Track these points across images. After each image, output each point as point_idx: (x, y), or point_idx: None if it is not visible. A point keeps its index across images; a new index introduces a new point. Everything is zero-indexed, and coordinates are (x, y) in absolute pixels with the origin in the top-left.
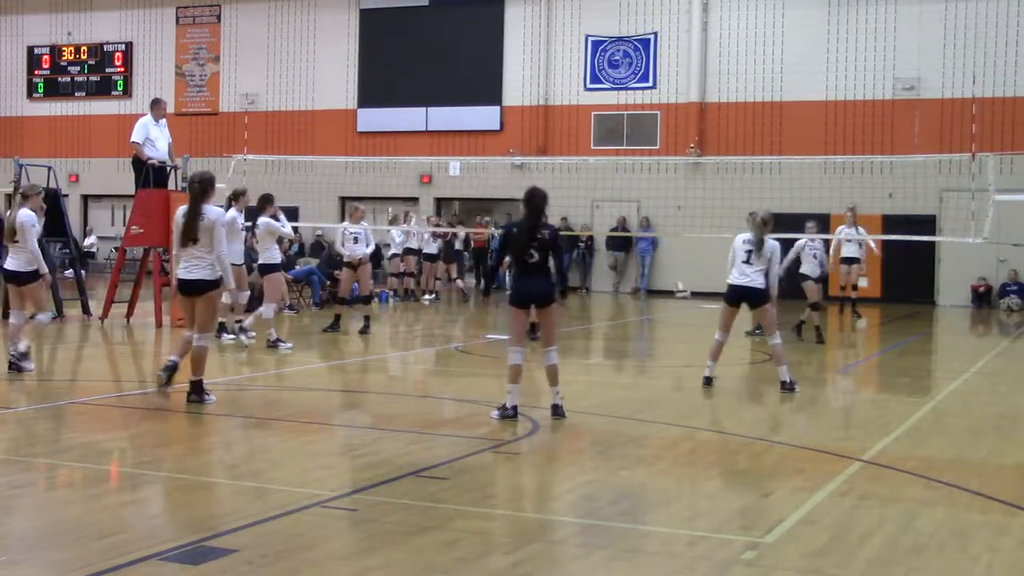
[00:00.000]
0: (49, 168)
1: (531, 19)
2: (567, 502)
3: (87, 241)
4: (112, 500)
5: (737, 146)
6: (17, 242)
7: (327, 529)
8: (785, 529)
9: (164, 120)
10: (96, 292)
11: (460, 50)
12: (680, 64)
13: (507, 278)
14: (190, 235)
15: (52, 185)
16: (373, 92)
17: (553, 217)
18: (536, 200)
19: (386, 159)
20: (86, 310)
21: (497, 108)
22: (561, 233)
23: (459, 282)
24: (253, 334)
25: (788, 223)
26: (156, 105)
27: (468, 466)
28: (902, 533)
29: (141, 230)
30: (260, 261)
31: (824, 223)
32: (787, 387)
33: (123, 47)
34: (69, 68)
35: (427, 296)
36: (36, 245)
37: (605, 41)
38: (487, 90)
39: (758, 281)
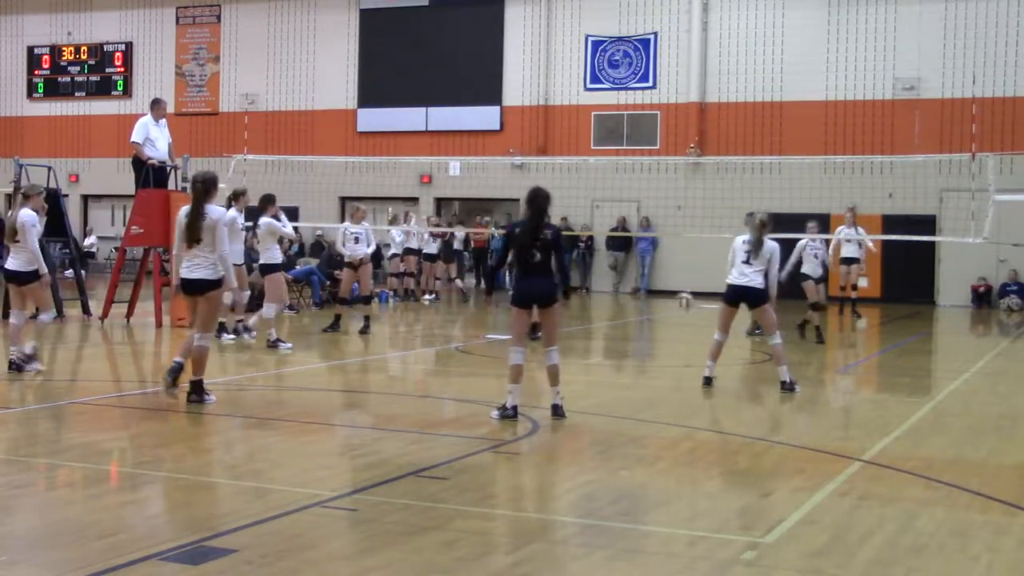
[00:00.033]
0: (49, 168)
1: (531, 19)
2: (567, 502)
3: (87, 241)
4: (112, 500)
5: (737, 146)
6: (18, 242)
7: (327, 529)
8: (785, 529)
9: (164, 120)
10: (96, 292)
11: (460, 50)
12: (680, 64)
13: (507, 278)
14: (194, 236)
15: (52, 185)
16: (373, 92)
17: (553, 217)
18: (539, 200)
19: (386, 159)
20: (86, 310)
21: (497, 108)
22: (562, 233)
23: (457, 282)
24: (254, 332)
25: (788, 223)
26: (156, 105)
27: (468, 466)
28: (902, 533)
29: (141, 230)
30: (261, 261)
31: (824, 223)
32: (787, 387)
33: (123, 47)
34: (69, 68)
35: (427, 296)
36: (36, 245)
37: (605, 41)
38: (487, 90)
39: (757, 281)
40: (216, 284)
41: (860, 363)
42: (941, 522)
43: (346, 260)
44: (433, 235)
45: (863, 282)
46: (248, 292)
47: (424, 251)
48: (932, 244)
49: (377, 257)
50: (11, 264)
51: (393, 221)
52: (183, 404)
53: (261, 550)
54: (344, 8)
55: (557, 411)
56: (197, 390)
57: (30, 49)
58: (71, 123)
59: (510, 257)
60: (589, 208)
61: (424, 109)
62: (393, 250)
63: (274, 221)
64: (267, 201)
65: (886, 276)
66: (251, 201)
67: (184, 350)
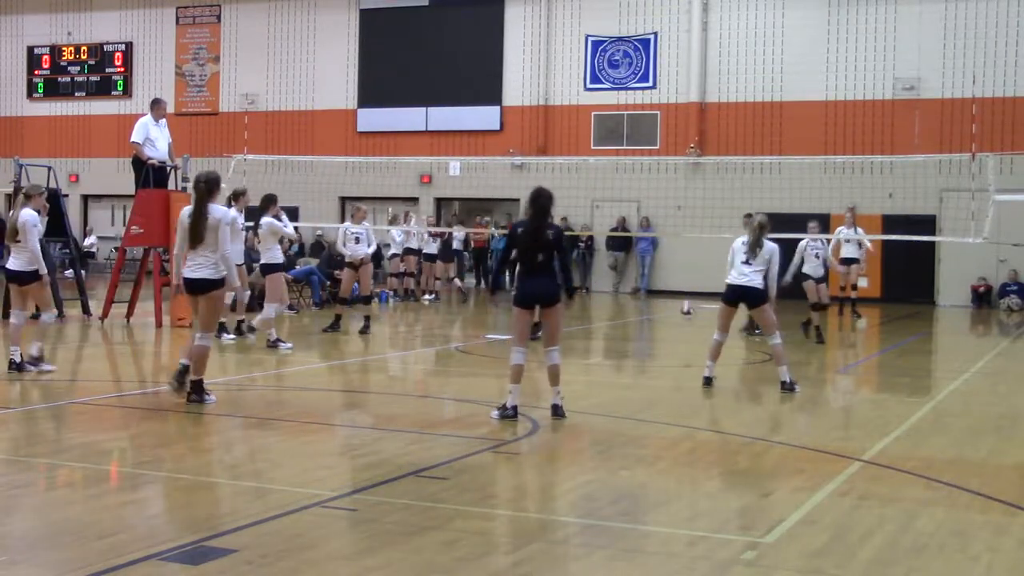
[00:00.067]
0: (49, 168)
1: (531, 19)
2: (567, 502)
3: (87, 241)
4: (112, 500)
5: (737, 146)
6: (19, 242)
7: (327, 529)
8: (785, 529)
9: (164, 120)
10: (96, 292)
11: (460, 50)
12: (680, 64)
13: (507, 278)
14: (197, 236)
15: (52, 185)
16: (373, 92)
17: (554, 217)
18: (542, 200)
19: (386, 159)
20: (86, 310)
21: (497, 108)
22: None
23: (456, 281)
24: (255, 333)
25: (788, 223)
26: (156, 105)
27: (468, 466)
28: (902, 533)
29: (141, 230)
30: (262, 261)
31: (824, 223)
32: (787, 387)
33: (123, 47)
34: (69, 68)
35: (427, 296)
36: (37, 245)
37: (605, 41)
38: (487, 90)
39: (756, 281)
40: (218, 284)
41: (860, 363)
42: (941, 522)
43: (347, 260)
44: (432, 235)
45: (863, 282)
46: (248, 292)
47: (424, 251)
48: (932, 244)
49: (377, 257)
50: (12, 264)
51: (393, 221)
52: (183, 404)
53: (261, 550)
54: (344, 8)
55: (557, 411)
56: (197, 390)
57: (30, 49)
58: (71, 123)
59: (513, 255)
60: (589, 208)
61: (424, 109)
62: (393, 250)
63: (276, 221)
64: (269, 201)
65: (886, 276)
66: (251, 201)
67: (188, 352)
